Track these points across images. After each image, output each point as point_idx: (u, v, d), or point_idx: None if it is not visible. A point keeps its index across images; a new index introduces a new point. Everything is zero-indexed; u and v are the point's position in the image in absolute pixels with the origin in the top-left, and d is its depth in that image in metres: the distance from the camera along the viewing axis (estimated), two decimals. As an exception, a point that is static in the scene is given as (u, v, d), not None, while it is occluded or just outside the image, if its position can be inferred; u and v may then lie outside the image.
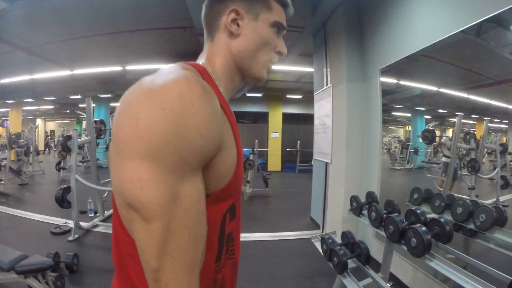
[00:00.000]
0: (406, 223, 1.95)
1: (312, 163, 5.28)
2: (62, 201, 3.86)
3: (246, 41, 0.72)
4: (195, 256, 0.51)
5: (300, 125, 12.43)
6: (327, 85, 4.10)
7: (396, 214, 2.07)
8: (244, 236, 4.16)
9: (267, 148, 11.79)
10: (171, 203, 0.47)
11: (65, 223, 4.43)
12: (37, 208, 5.42)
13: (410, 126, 4.06)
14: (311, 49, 5.02)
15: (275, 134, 12.35)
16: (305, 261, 3.43)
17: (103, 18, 5.33)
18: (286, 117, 12.57)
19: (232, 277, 0.78)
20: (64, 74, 8.42)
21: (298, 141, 11.76)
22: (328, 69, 4.11)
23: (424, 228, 1.71)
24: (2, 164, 7.15)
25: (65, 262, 3.02)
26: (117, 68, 7.79)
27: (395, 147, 4.76)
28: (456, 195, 2.75)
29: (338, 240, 2.68)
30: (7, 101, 14.51)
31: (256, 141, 9.01)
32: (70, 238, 3.92)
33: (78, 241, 3.90)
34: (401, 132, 4.76)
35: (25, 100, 14.47)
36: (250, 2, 0.71)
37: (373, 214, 2.32)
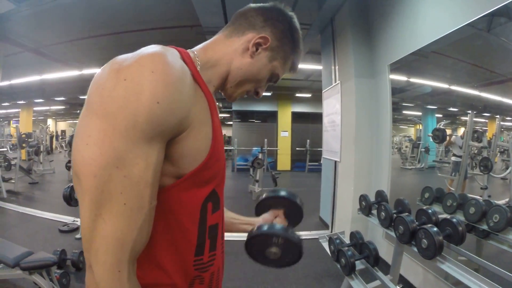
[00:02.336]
0: (417, 223, 1.87)
1: (321, 161, 5.21)
2: (70, 199, 3.86)
3: (250, 67, 0.73)
4: (130, 229, 0.49)
5: (309, 124, 12.31)
6: (335, 82, 4.03)
7: (407, 214, 2.00)
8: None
9: (277, 147, 11.68)
10: (112, 165, 0.47)
11: (73, 221, 4.49)
12: (47, 206, 5.49)
13: (421, 125, 3.96)
14: (319, 46, 4.95)
15: (284, 133, 12.24)
16: (313, 261, 3.37)
17: (110, 18, 5.36)
18: (296, 116, 12.44)
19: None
20: (73, 74, 8.50)
21: (308, 140, 11.67)
22: (337, 66, 4.04)
23: (435, 229, 1.63)
24: (12, 163, 7.29)
25: (72, 259, 3.05)
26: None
27: (406, 147, 4.65)
28: (468, 195, 2.67)
29: (347, 240, 2.62)
30: (17, 102, 14.82)
31: (266, 140, 8.96)
32: (78, 236, 3.96)
33: (85, 239, 3.90)
34: (412, 131, 4.66)
35: (36, 100, 14.75)
36: (278, 47, 0.75)
37: (383, 213, 2.24)
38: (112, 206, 0.47)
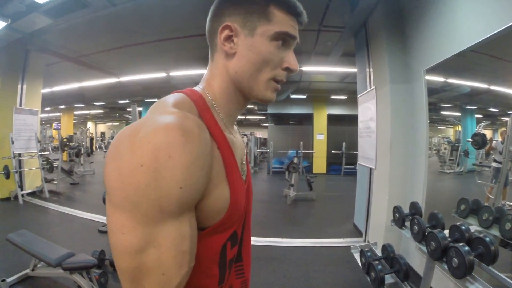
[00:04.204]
0: (449, 239, 1.81)
1: (357, 167, 5.10)
2: (109, 202, 4.09)
3: (243, 60, 0.65)
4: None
5: (345, 126, 12.04)
6: (370, 87, 3.93)
7: (439, 230, 1.93)
8: (286, 242, 4.14)
9: (312, 150, 11.53)
10: (148, 247, 0.49)
11: (113, 222, 4.68)
12: (87, 206, 5.77)
13: (459, 126, 3.75)
14: (353, 49, 4.86)
15: (320, 135, 12.07)
16: (344, 271, 3.31)
17: (144, 27, 5.59)
18: (331, 118, 12.23)
19: None
20: (111, 81, 8.98)
21: (344, 143, 11.45)
22: (371, 69, 3.94)
23: (466, 248, 1.56)
24: (54, 165, 7.68)
25: (110, 259, 3.22)
26: (161, 75, 8.12)
27: (445, 149, 4.42)
28: (509, 203, 2.52)
29: (379, 252, 2.57)
30: (59, 107, 15.89)
31: (301, 143, 8.90)
32: (117, 236, 4.13)
33: (124, 240, 4.08)
34: (451, 132, 4.42)
35: (76, 105, 15.64)
36: (245, 15, 0.64)
37: (416, 227, 2.18)
38: (151, 278, 0.51)
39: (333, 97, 11.14)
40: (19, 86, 6.56)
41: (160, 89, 9.96)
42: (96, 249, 3.21)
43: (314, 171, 11.61)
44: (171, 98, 0.62)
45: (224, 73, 0.68)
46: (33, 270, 2.94)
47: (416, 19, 3.13)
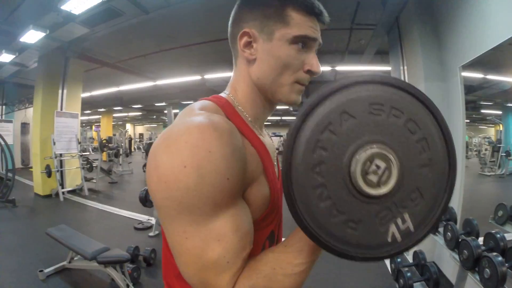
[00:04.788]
0: (483, 248, 1.69)
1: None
2: (145, 201, 4.20)
3: (263, 66, 0.65)
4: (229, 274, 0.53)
5: None
6: (404, 85, 3.77)
7: (473, 238, 1.81)
8: None
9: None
10: (212, 241, 0.50)
11: (148, 219, 4.84)
12: (124, 204, 6.01)
13: (501, 125, 3.49)
14: (387, 46, 4.68)
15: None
16: (375, 276, 3.18)
17: (178, 32, 5.74)
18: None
19: None
20: (148, 85, 9.28)
21: None
22: (405, 67, 3.77)
23: (500, 259, 1.45)
24: (94, 165, 8.11)
25: (144, 255, 3.33)
26: (196, 77, 8.26)
27: (485, 150, 4.12)
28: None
29: (411, 258, 2.46)
30: (98, 110, 16.71)
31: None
32: (151, 234, 4.26)
33: (157, 237, 4.21)
34: (492, 132, 4.13)
35: (115, 108, 16.33)
36: (262, 20, 0.63)
37: (449, 234, 2.07)
38: (217, 269, 0.51)
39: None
40: (60, 91, 7.01)
41: (196, 92, 10.15)
42: (131, 245, 3.32)
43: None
44: (198, 104, 0.63)
45: (247, 78, 0.68)
46: (69, 262, 3.13)
47: (449, 12, 2.95)
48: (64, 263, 3.15)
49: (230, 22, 0.69)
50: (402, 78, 3.84)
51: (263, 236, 0.65)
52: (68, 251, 3.11)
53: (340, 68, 6.75)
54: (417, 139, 0.42)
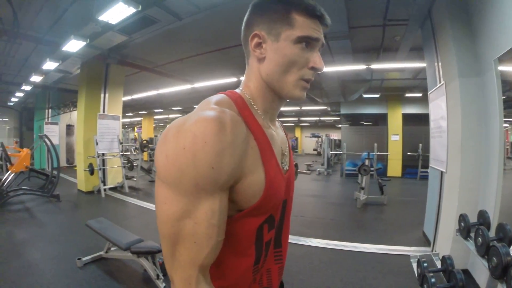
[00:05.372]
0: (512, 256, 1.55)
1: (429, 170, 4.67)
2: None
3: (271, 64, 0.73)
4: (198, 256, 0.63)
5: (421, 126, 10.71)
6: (440, 82, 3.56)
7: (503, 244, 1.66)
8: (349, 246, 4.00)
9: (387, 152, 10.82)
10: (184, 217, 0.61)
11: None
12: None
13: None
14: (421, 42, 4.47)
15: (395, 136, 11.26)
16: (403, 281, 3.04)
17: (213, 36, 5.90)
18: (407, 118, 11.32)
19: (279, 279, 0.89)
20: (186, 88, 9.59)
21: (420, 144, 10.45)
22: (439, 63, 3.56)
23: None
24: (135, 164, 8.62)
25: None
26: (232, 80, 8.40)
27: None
28: None
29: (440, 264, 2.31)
30: (140, 112, 17.47)
31: (375, 144, 8.41)
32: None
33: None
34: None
35: (155, 110, 17.00)
36: (269, 23, 0.72)
37: (479, 239, 1.92)
38: (186, 244, 0.62)
39: (407, 95, 10.32)
40: (102, 95, 7.50)
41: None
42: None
43: (388, 174, 11.01)
44: (214, 98, 0.73)
45: (258, 75, 0.77)
46: (106, 252, 3.39)
47: (482, 3, 2.75)
48: (101, 253, 3.40)
49: (243, 27, 0.78)
50: (437, 75, 3.64)
51: (258, 221, 0.73)
52: (105, 242, 3.36)
53: (375, 66, 6.53)
54: None
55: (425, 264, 2.20)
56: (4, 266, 3.25)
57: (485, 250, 1.81)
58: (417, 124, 11.01)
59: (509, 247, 1.66)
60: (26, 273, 3.10)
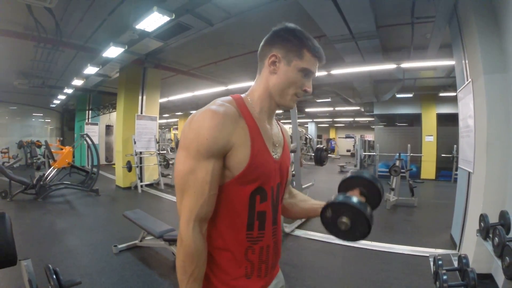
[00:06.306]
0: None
1: (458, 171, 4.54)
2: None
3: (279, 79, 0.98)
4: (196, 204, 0.87)
5: (456, 127, 10.34)
6: (467, 80, 3.48)
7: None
8: (374, 245, 4.00)
9: (421, 153, 10.34)
10: (188, 173, 0.88)
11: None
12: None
13: None
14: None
15: (429, 137, 10.86)
16: (423, 282, 3.02)
17: (245, 39, 6.09)
18: (441, 118, 10.89)
19: (275, 253, 1.07)
20: (220, 89, 9.81)
21: (455, 146, 9.94)
22: (467, 60, 3.49)
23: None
24: (170, 162, 9.06)
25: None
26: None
27: None
28: None
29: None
30: (176, 113, 18.14)
31: (409, 145, 8.17)
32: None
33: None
34: None
35: (191, 111, 17.39)
36: (287, 52, 0.96)
37: (496, 239, 1.90)
38: (188, 192, 0.88)
39: (441, 94, 9.91)
40: (140, 97, 7.95)
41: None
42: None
43: (422, 176, 10.70)
44: (223, 98, 0.99)
45: (266, 84, 1.01)
46: (140, 241, 3.67)
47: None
48: (136, 241, 3.69)
49: (262, 44, 1.03)
50: (465, 72, 3.55)
51: (249, 189, 0.93)
52: (139, 232, 3.64)
53: (405, 65, 6.40)
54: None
55: (439, 262, 2.20)
56: (46, 251, 3.61)
57: (501, 251, 1.80)
58: (452, 125, 10.38)
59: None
60: (66, 257, 3.44)
